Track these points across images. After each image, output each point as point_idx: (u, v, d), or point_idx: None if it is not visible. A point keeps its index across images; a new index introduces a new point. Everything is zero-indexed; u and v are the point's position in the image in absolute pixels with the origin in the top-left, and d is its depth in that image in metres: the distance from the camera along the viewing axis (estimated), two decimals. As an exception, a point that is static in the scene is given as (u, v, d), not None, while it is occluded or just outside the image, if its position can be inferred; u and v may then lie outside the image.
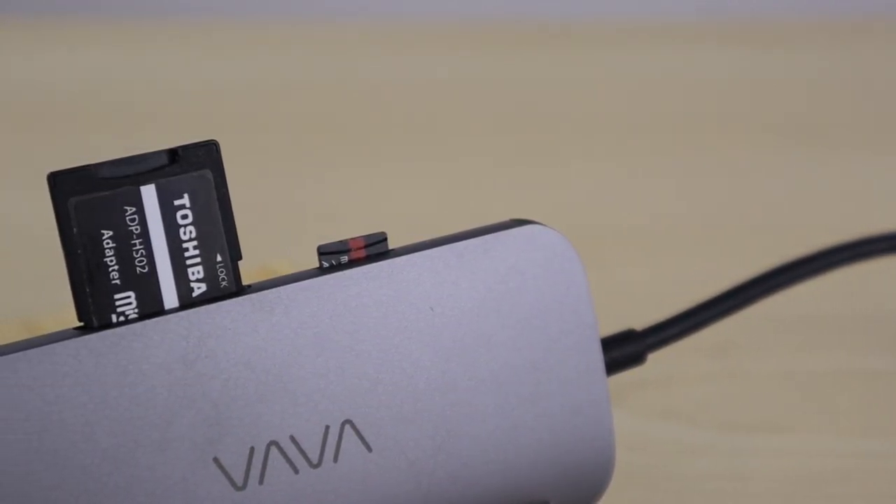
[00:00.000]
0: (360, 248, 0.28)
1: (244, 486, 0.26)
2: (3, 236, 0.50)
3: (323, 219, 0.52)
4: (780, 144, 0.60)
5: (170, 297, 0.26)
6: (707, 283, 0.36)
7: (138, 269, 0.26)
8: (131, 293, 0.26)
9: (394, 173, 0.57)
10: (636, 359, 0.31)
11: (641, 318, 0.33)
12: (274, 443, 0.27)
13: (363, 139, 0.60)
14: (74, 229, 0.25)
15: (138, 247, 0.26)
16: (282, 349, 0.27)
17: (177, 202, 0.26)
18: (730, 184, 0.55)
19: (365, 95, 0.66)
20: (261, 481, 0.27)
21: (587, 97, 0.65)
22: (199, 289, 0.26)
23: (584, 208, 0.52)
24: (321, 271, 0.27)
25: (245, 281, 0.27)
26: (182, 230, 0.26)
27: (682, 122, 0.62)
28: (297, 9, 0.84)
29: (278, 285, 0.27)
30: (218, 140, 0.26)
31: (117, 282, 0.26)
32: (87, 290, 0.25)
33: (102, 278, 0.26)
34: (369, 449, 0.28)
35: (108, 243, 0.26)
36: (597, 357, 0.30)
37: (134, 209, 0.26)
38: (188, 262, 0.26)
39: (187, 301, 0.26)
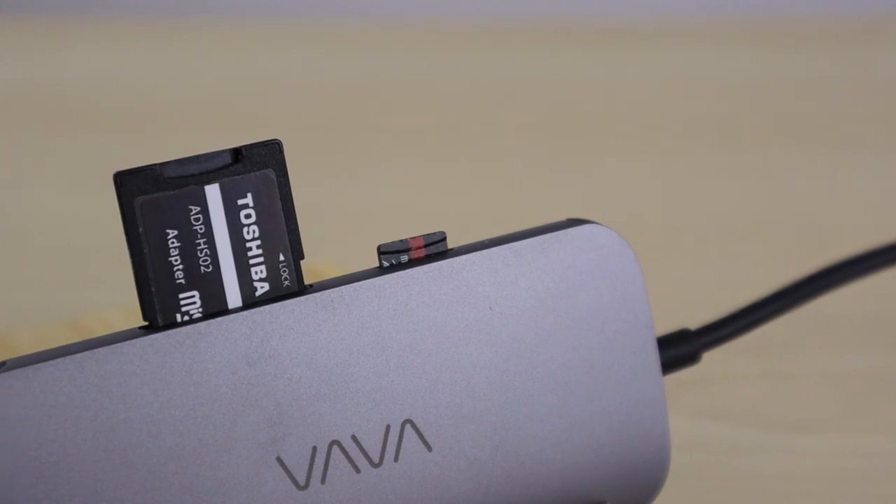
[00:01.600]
0: (419, 248, 0.28)
1: (306, 486, 0.26)
2: (46, 238, 0.50)
3: (359, 219, 0.52)
4: (824, 145, 0.60)
5: (233, 297, 0.26)
6: (751, 283, 0.36)
7: (202, 268, 0.26)
8: (195, 292, 0.26)
9: (429, 173, 0.57)
10: (691, 358, 0.31)
11: (688, 318, 0.33)
12: (336, 442, 0.27)
13: (398, 139, 0.60)
14: (140, 228, 0.25)
15: (202, 246, 0.26)
16: (343, 348, 0.27)
17: (240, 201, 0.26)
18: (773, 184, 0.55)
19: (403, 96, 0.66)
20: (323, 481, 0.27)
21: (620, 97, 0.65)
22: (261, 288, 0.26)
23: (627, 207, 0.52)
24: (381, 271, 0.27)
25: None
26: (245, 229, 0.26)
27: (719, 121, 0.62)
28: (331, 8, 0.84)
29: (339, 285, 0.27)
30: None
31: (182, 281, 0.26)
32: (153, 289, 0.25)
33: (167, 278, 0.26)
34: (429, 448, 0.28)
35: (172, 243, 0.26)
36: (653, 356, 0.30)
37: (198, 208, 0.26)
38: (251, 261, 0.26)
39: (250, 300, 0.26)
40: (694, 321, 0.33)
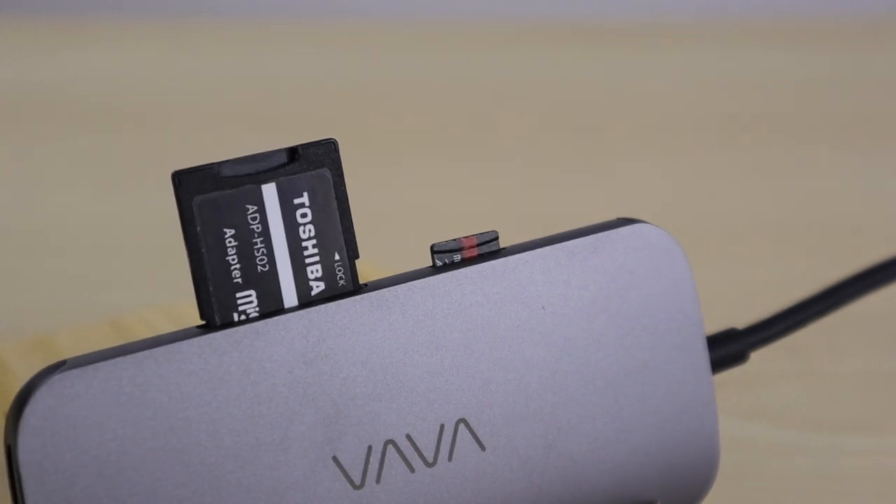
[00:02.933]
0: (472, 247, 0.28)
1: (362, 485, 0.26)
2: (86, 237, 0.50)
3: (381, 219, 0.52)
4: (855, 144, 0.60)
5: (289, 296, 0.26)
6: (783, 282, 0.35)
7: (259, 267, 0.26)
8: (252, 291, 0.26)
9: (448, 173, 0.57)
10: (739, 357, 0.31)
11: (722, 316, 0.33)
12: (391, 441, 0.27)
13: (415, 139, 0.60)
14: (198, 228, 0.25)
15: (259, 245, 0.26)
16: (398, 347, 0.27)
17: (296, 200, 0.26)
18: (799, 184, 0.55)
19: (421, 95, 0.66)
20: (378, 480, 0.27)
21: (637, 97, 0.65)
22: (317, 287, 0.26)
23: (652, 207, 0.52)
24: (435, 270, 0.27)
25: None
26: (301, 229, 0.26)
27: (742, 121, 0.61)
28: (342, 7, 0.84)
29: (394, 284, 0.27)
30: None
31: (239, 280, 0.26)
32: (211, 288, 0.25)
33: (225, 277, 0.26)
34: (483, 448, 0.28)
35: (230, 242, 0.26)
36: (703, 356, 0.29)
37: (255, 208, 0.26)
38: (307, 260, 0.26)
39: (306, 299, 0.26)
40: (729, 320, 0.33)
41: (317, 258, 0.26)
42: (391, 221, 0.51)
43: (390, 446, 0.27)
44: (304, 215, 0.26)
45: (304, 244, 0.26)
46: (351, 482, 0.26)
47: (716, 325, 0.32)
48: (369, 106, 0.64)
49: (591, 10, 0.79)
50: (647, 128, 0.61)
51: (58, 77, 0.69)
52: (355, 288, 0.27)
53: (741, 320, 0.33)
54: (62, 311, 0.43)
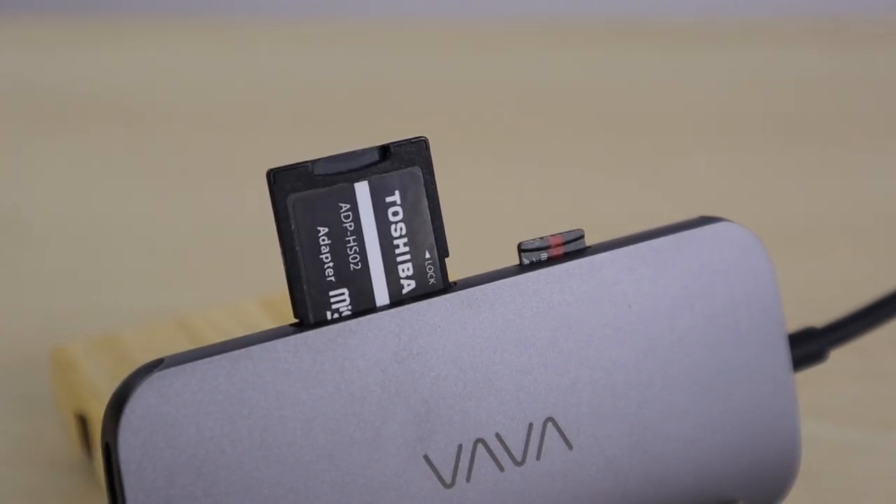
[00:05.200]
0: (558, 246, 0.28)
1: (452, 484, 0.26)
2: (148, 236, 0.50)
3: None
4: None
5: (381, 295, 0.26)
6: (865, 280, 0.35)
7: (352, 265, 0.26)
8: (345, 290, 0.26)
9: (497, 172, 0.57)
10: (818, 356, 0.31)
11: (803, 315, 0.33)
12: (481, 440, 0.27)
13: (475, 138, 0.60)
14: (293, 226, 0.25)
15: (352, 243, 0.26)
16: (488, 346, 0.27)
17: (388, 199, 0.26)
18: (886, 183, 0.55)
19: (457, 95, 0.66)
20: (468, 479, 0.27)
21: (687, 96, 0.65)
22: (408, 286, 0.26)
23: (728, 205, 0.51)
24: (522, 268, 0.27)
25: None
26: (393, 227, 0.26)
27: (815, 120, 0.61)
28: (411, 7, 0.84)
29: (482, 282, 0.27)
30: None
31: (332, 279, 0.26)
32: (305, 287, 0.25)
33: (318, 275, 0.25)
34: (570, 447, 0.27)
35: (323, 240, 0.26)
36: (785, 355, 0.29)
37: (348, 206, 0.26)
38: (398, 258, 0.26)
39: (398, 298, 0.26)
40: (801, 318, 0.33)
41: (408, 256, 0.26)
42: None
43: (480, 445, 0.27)
44: (395, 213, 0.26)
45: (395, 242, 0.26)
46: (442, 481, 0.26)
47: (789, 324, 0.32)
48: (408, 107, 0.64)
49: (630, 8, 0.79)
50: (696, 126, 0.61)
51: (105, 75, 0.69)
52: (445, 286, 0.27)
53: (812, 319, 0.33)
54: (123, 310, 0.43)
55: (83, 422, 0.35)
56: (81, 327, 0.41)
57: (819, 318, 0.33)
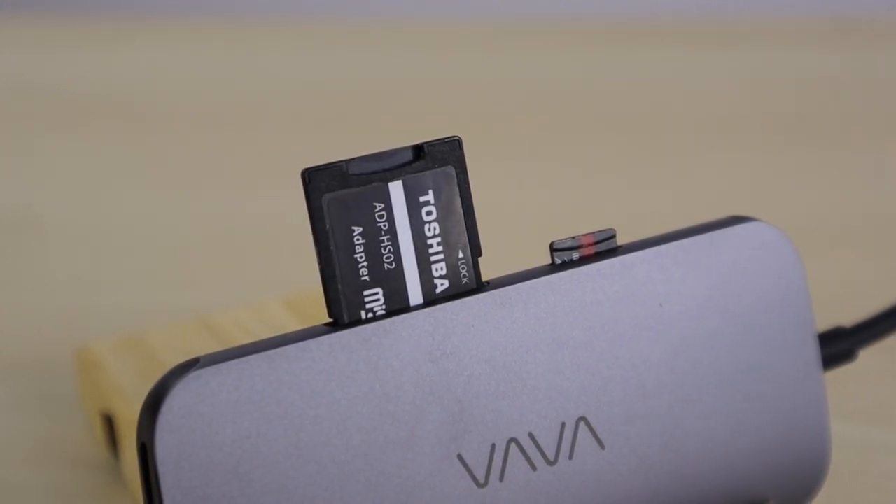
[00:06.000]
0: (590, 245, 0.28)
1: (486, 484, 0.26)
2: (171, 237, 0.50)
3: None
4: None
5: (415, 294, 0.26)
6: (863, 281, 0.35)
7: (386, 265, 0.26)
8: (379, 289, 0.26)
9: (527, 172, 0.57)
10: (847, 356, 0.31)
11: (830, 315, 0.33)
12: (514, 440, 0.27)
13: (493, 138, 0.60)
14: (327, 225, 0.25)
15: (386, 243, 0.26)
16: (521, 345, 0.27)
17: (422, 198, 0.26)
18: (882, 181, 0.55)
19: (475, 94, 0.66)
20: (501, 478, 0.27)
21: (706, 96, 0.65)
22: (441, 285, 0.26)
23: (751, 205, 0.51)
24: (554, 268, 0.27)
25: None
26: (427, 226, 0.26)
27: (835, 119, 0.61)
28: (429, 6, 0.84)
29: (515, 282, 0.27)
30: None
31: (366, 278, 0.26)
32: (339, 286, 0.25)
33: (353, 275, 0.25)
34: (602, 446, 0.27)
35: (357, 239, 0.26)
36: (815, 355, 0.29)
37: (382, 205, 0.26)
38: (432, 258, 0.26)
39: (431, 297, 0.26)
40: (831, 318, 0.33)
41: (441, 256, 0.26)
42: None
43: (513, 444, 0.27)
44: (429, 213, 0.26)
45: (429, 242, 0.26)
46: (475, 480, 0.26)
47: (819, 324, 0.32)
48: (422, 107, 0.64)
49: (644, 8, 0.79)
50: (713, 126, 0.61)
51: (112, 75, 0.69)
52: (479, 286, 0.27)
53: (839, 318, 0.33)
54: (135, 310, 0.43)
55: (109, 421, 0.35)
56: (99, 327, 0.41)
57: (821, 318, 0.33)
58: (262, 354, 0.25)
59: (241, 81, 0.67)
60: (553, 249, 0.28)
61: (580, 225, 0.48)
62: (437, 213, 0.26)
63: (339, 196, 0.25)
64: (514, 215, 0.51)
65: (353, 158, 0.26)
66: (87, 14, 0.81)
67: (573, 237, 0.28)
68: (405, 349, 0.26)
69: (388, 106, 0.64)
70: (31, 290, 0.46)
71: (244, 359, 0.24)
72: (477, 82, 0.67)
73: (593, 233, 0.28)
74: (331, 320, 0.26)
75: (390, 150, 0.26)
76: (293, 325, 0.37)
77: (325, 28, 0.76)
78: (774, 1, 0.79)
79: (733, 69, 0.67)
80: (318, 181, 0.25)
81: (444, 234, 0.26)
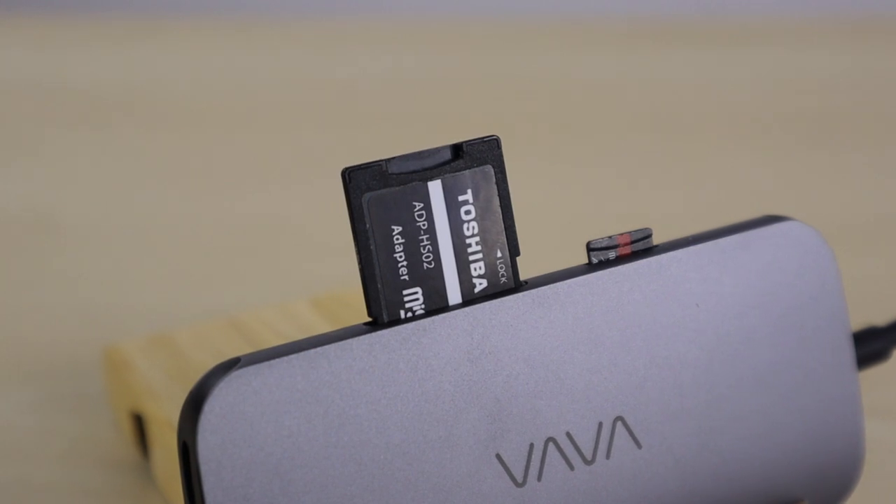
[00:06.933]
0: (626, 245, 0.28)
1: (524, 483, 0.26)
2: (193, 237, 0.50)
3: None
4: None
5: (453, 293, 0.26)
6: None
7: (425, 264, 0.26)
8: (419, 289, 0.26)
9: (552, 172, 0.57)
10: (881, 355, 0.31)
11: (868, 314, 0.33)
12: (551, 439, 0.27)
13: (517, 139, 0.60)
14: (367, 225, 0.25)
15: (425, 242, 0.26)
16: (558, 345, 0.27)
17: (461, 197, 0.26)
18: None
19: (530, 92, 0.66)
20: (539, 478, 0.27)
21: (734, 95, 0.64)
22: (480, 284, 0.26)
23: (778, 205, 0.51)
24: (591, 267, 0.27)
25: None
26: (465, 226, 0.26)
27: (847, 119, 0.61)
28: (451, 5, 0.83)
29: (552, 281, 0.27)
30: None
31: (406, 277, 0.26)
32: (379, 285, 0.25)
33: (392, 274, 0.25)
34: (639, 446, 0.27)
35: (397, 239, 0.26)
36: (849, 354, 0.29)
37: (422, 205, 0.26)
38: (471, 257, 0.26)
39: (470, 297, 0.26)
40: (864, 318, 0.33)
41: (480, 255, 0.26)
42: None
43: (551, 444, 0.27)
44: (467, 212, 0.26)
45: (467, 241, 0.26)
46: (514, 480, 0.26)
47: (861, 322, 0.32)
48: (454, 104, 0.64)
49: (669, 8, 0.79)
50: (740, 126, 0.60)
51: (141, 75, 0.69)
52: (517, 285, 0.27)
53: (872, 318, 0.33)
54: (166, 310, 0.43)
55: (139, 421, 0.35)
56: (125, 328, 0.41)
57: (855, 317, 0.33)
58: (303, 354, 0.25)
59: (266, 81, 0.67)
60: (590, 249, 0.27)
61: (608, 224, 0.49)
62: (476, 212, 0.26)
63: (379, 195, 0.25)
64: (544, 214, 0.51)
65: (393, 158, 0.26)
66: (108, 13, 0.81)
67: (610, 237, 0.28)
68: (444, 348, 0.26)
69: (419, 105, 0.64)
70: (56, 292, 0.46)
71: (285, 358, 0.24)
72: (502, 81, 0.67)
73: (629, 232, 0.28)
74: (370, 319, 0.26)
75: (429, 150, 0.26)
76: (320, 325, 0.37)
77: (354, 27, 0.76)
78: (801, 1, 0.79)
79: (761, 69, 0.67)
80: (358, 180, 0.25)
81: (483, 233, 0.26)
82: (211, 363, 0.35)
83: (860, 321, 0.32)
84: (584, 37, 0.73)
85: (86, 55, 0.71)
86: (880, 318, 0.33)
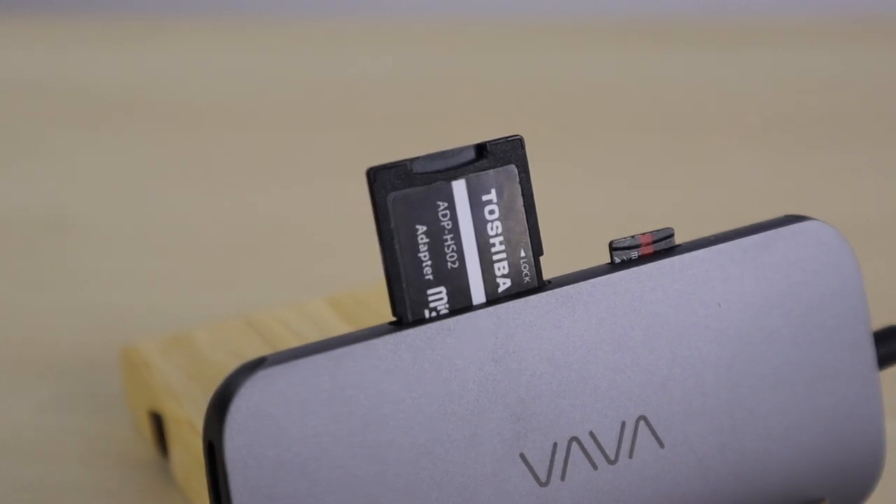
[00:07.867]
0: (649, 244, 0.28)
1: (547, 482, 0.26)
2: (207, 237, 0.50)
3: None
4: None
5: (477, 293, 0.26)
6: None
7: (449, 264, 0.26)
8: (443, 288, 0.26)
9: (561, 172, 0.57)
10: (902, 355, 0.31)
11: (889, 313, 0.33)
12: (575, 439, 0.27)
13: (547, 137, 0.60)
14: (392, 224, 0.25)
15: (449, 242, 0.26)
16: (582, 344, 0.27)
17: (485, 197, 0.26)
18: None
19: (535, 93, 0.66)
20: (563, 477, 0.27)
21: (733, 97, 0.64)
22: (504, 284, 0.26)
23: (790, 204, 0.51)
24: (614, 267, 0.27)
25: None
26: (489, 225, 0.26)
27: (862, 118, 0.61)
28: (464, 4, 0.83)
29: (576, 281, 0.27)
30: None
31: (430, 277, 0.26)
32: (404, 285, 0.25)
33: (417, 274, 0.26)
34: (661, 445, 0.28)
35: (422, 238, 0.26)
36: (870, 354, 0.29)
37: (446, 204, 0.26)
38: (494, 257, 0.26)
39: (494, 296, 0.26)
40: (885, 317, 0.33)
41: (503, 255, 0.26)
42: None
43: (574, 443, 0.27)
44: (491, 212, 0.26)
45: (491, 241, 0.26)
46: (537, 479, 0.26)
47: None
48: (454, 104, 0.64)
49: (669, 8, 0.79)
50: (749, 126, 0.60)
51: (151, 75, 0.69)
52: (540, 285, 0.27)
53: (894, 317, 0.33)
54: (183, 310, 0.43)
55: (157, 420, 0.35)
56: (142, 327, 0.41)
57: (876, 317, 0.33)
58: (328, 353, 0.25)
59: (266, 81, 0.67)
60: (612, 248, 0.28)
61: (608, 224, 0.49)
62: (500, 211, 0.26)
63: (403, 195, 0.25)
64: (544, 214, 0.51)
65: (417, 157, 0.26)
66: (108, 13, 0.82)
67: (632, 236, 0.28)
68: (468, 348, 0.26)
69: (420, 105, 0.64)
70: (72, 292, 0.46)
71: (310, 358, 0.25)
72: (502, 81, 0.67)
73: (652, 232, 0.28)
74: (394, 319, 0.26)
75: (453, 149, 0.26)
76: (337, 324, 0.37)
77: (354, 27, 0.76)
78: (801, 1, 0.79)
79: (761, 69, 0.67)
80: (382, 180, 0.25)
81: (507, 232, 0.26)
82: (229, 363, 0.35)
83: (883, 321, 0.32)
84: (584, 37, 0.73)
85: (85, 55, 0.71)
86: (881, 320, 0.33)
